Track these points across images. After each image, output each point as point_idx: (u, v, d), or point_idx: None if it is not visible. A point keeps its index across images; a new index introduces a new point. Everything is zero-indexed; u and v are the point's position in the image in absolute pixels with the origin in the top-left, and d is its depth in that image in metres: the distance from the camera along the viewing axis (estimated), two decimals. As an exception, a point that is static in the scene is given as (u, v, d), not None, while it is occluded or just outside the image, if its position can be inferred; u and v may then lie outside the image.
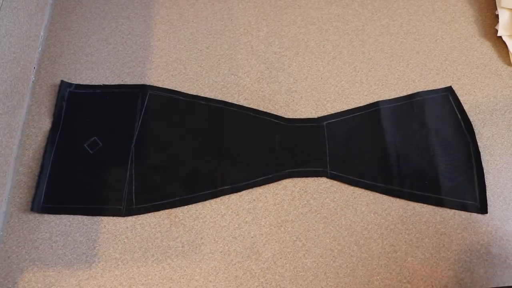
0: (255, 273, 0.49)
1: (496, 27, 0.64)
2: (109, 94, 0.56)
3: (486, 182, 0.54)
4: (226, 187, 0.52)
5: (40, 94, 0.56)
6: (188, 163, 0.53)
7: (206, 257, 0.49)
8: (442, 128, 0.57)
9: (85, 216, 0.49)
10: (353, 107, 0.58)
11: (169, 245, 0.49)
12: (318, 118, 0.57)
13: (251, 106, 0.57)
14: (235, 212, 0.52)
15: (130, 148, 0.53)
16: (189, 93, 0.57)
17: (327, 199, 0.52)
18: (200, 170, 0.52)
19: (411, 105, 0.58)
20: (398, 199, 0.53)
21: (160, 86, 0.58)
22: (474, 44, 0.64)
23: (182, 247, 0.49)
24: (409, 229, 0.51)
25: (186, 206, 0.51)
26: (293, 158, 0.54)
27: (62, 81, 0.57)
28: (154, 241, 0.49)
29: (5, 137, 0.49)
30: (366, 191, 0.53)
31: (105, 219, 0.50)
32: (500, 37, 0.63)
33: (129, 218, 0.50)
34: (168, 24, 0.63)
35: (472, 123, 0.57)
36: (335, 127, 0.56)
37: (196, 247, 0.50)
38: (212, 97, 0.58)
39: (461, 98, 0.59)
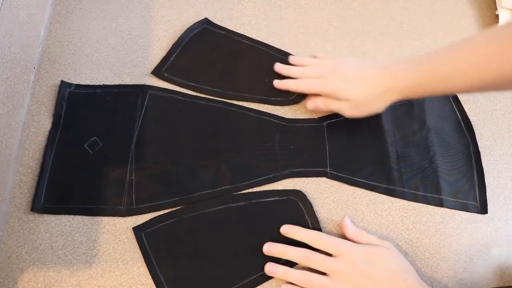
0: (255, 273, 0.49)
1: (496, 27, 0.64)
2: (109, 94, 0.56)
3: (486, 182, 0.54)
4: (226, 187, 0.52)
5: (40, 94, 0.56)
6: (188, 163, 0.53)
7: (206, 257, 0.49)
8: (442, 128, 0.57)
9: (85, 216, 0.49)
10: (353, 107, 0.58)
11: (169, 245, 0.49)
12: (319, 118, 0.57)
13: (251, 106, 0.57)
14: (235, 212, 0.51)
15: (130, 148, 0.53)
16: (189, 93, 0.57)
17: (327, 199, 0.52)
18: (200, 170, 0.52)
19: (411, 105, 0.58)
20: (398, 199, 0.53)
21: (160, 86, 0.58)
22: (474, 44, 0.64)
23: (182, 247, 0.49)
24: (409, 229, 0.51)
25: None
26: (293, 158, 0.54)
27: (62, 81, 0.56)
28: (154, 241, 0.49)
29: (5, 137, 0.49)
30: (366, 191, 0.53)
31: (105, 219, 0.49)
32: (500, 37, 0.63)
33: (129, 218, 0.50)
34: (168, 24, 0.62)
35: (472, 123, 0.57)
36: (336, 127, 0.56)
37: (196, 247, 0.49)
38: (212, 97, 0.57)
39: (461, 98, 0.59)
